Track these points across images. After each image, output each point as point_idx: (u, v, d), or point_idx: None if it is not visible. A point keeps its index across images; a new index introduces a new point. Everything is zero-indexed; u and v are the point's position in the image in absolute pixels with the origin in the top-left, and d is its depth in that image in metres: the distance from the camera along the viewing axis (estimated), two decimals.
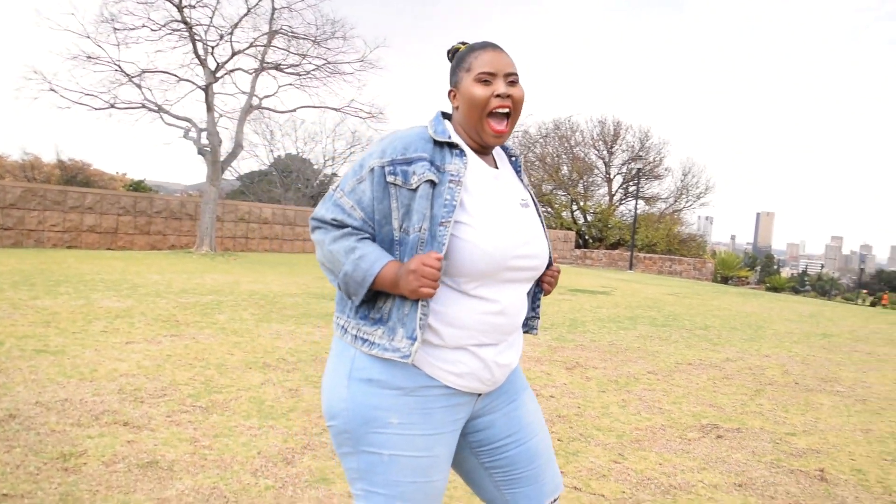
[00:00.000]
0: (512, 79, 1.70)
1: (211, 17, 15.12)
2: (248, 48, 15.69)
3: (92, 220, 15.51)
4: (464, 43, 1.80)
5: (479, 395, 1.74)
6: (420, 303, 1.58)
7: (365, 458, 1.63)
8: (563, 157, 41.18)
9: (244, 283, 10.63)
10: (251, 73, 16.05)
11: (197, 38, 15.03)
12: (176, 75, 15.54)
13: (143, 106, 15.60)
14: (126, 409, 3.96)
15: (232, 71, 15.89)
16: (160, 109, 15.65)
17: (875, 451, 4.31)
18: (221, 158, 15.99)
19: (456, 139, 1.69)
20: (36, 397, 4.04)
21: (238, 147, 16.50)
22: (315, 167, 32.75)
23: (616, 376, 5.89)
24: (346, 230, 1.62)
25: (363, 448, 1.62)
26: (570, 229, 36.92)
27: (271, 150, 30.43)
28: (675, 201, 41.57)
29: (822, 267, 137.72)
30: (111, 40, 15.12)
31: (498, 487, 1.83)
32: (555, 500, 1.85)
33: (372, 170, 1.62)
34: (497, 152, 1.85)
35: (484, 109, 1.67)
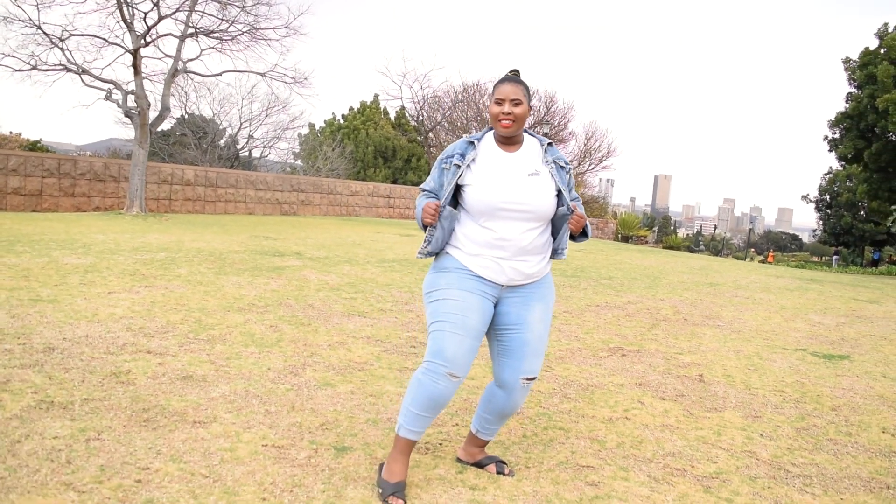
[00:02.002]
0: (515, 101, 2.79)
1: None
2: (174, 12, 15.90)
3: (16, 182, 15.55)
4: (515, 70, 2.93)
5: (502, 286, 2.81)
6: (429, 228, 2.82)
7: (433, 304, 2.80)
8: (473, 121, 42.29)
9: (187, 241, 11.21)
10: (179, 37, 16.25)
11: (124, 1, 15.13)
12: (105, 39, 15.64)
13: (66, 68, 15.63)
14: (142, 342, 4.74)
15: (163, 36, 16.09)
16: (83, 72, 15.72)
17: (742, 364, 5.53)
18: (149, 121, 16.21)
19: (484, 139, 2.87)
20: (60, 335, 4.76)
21: (165, 110, 16.72)
22: (230, 131, 32.72)
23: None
24: (425, 192, 2.86)
25: (433, 298, 2.79)
26: None
27: (185, 113, 30.24)
28: (579, 164, 43.31)
29: (716, 228, 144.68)
30: (31, 0, 15.05)
31: (496, 353, 2.90)
32: (528, 379, 2.87)
33: (438, 162, 2.84)
34: (530, 143, 2.92)
35: (497, 119, 2.80)
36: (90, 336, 4.78)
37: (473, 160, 2.83)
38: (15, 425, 3.11)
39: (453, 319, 2.71)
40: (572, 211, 2.86)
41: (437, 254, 2.89)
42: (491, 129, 2.92)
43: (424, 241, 2.83)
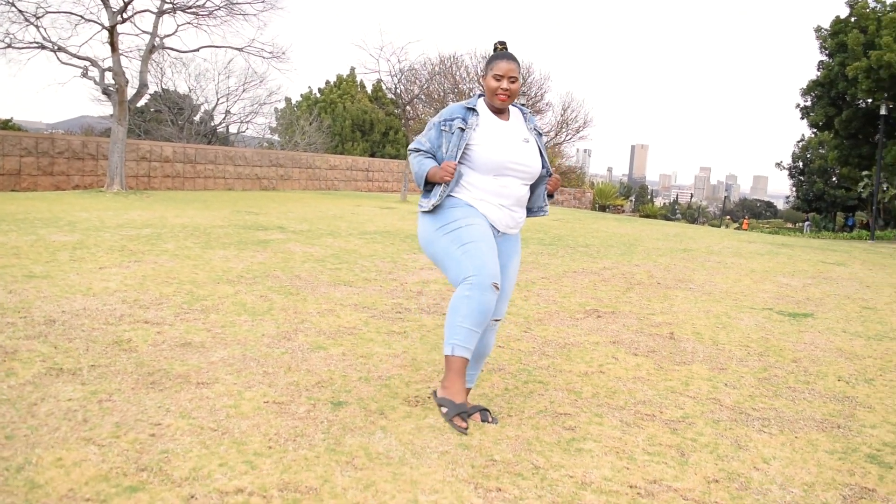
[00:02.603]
0: (512, 78, 3.09)
1: None
2: None
3: None
4: (502, 42, 3.20)
5: (499, 232, 3.17)
6: (444, 185, 3.11)
7: (455, 232, 3.07)
8: (450, 93, 42.25)
9: (170, 217, 11.34)
10: (156, 13, 16.19)
11: None
12: (81, 16, 15.56)
13: (42, 46, 15.55)
14: (138, 313, 4.94)
15: (140, 12, 16.01)
16: (59, 49, 15.64)
17: (711, 323, 5.84)
18: (128, 98, 16.19)
19: (479, 105, 3.13)
20: (59, 308, 4.94)
21: (143, 87, 16.69)
22: (207, 106, 32.54)
23: (517, 281, 7.24)
24: (420, 152, 3.10)
25: (452, 228, 3.05)
26: None
27: (161, 89, 30.00)
28: (556, 135, 43.47)
29: (692, 196, 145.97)
30: None
31: None
32: (497, 320, 3.28)
33: (434, 124, 3.08)
34: (515, 113, 3.23)
35: (494, 93, 3.09)
36: (88, 309, 4.97)
37: (477, 124, 3.11)
38: (29, 390, 3.32)
39: (485, 238, 3.02)
40: (551, 173, 3.24)
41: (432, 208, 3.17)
42: (479, 96, 3.22)
43: (434, 195, 3.11)
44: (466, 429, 2.96)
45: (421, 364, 4.16)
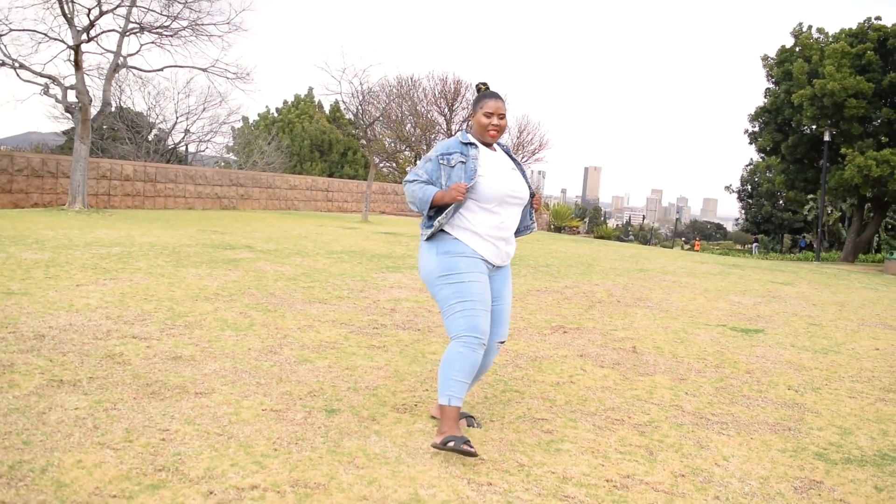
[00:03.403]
0: (501, 115, 3.36)
1: None
2: (116, 7, 15.88)
3: None
4: (484, 83, 3.44)
5: (494, 266, 3.39)
6: (453, 207, 3.27)
7: (456, 286, 3.23)
8: (407, 114, 42.63)
9: (136, 236, 11.39)
10: (120, 33, 16.20)
11: None
12: (45, 34, 15.51)
13: (2, 63, 15.46)
14: (124, 329, 5.09)
15: (105, 32, 16.01)
16: (21, 66, 15.57)
17: (670, 338, 6.19)
18: (91, 117, 16.15)
19: (473, 140, 3.36)
20: (45, 324, 5.07)
21: (106, 105, 16.68)
22: (162, 126, 32.37)
23: None
24: (418, 181, 3.30)
25: (455, 280, 3.23)
26: None
27: (119, 106, 29.74)
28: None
29: (644, 218, 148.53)
30: None
31: None
32: (501, 342, 3.51)
33: (431, 159, 3.29)
34: (497, 147, 3.50)
35: (486, 129, 3.34)
36: (74, 324, 5.10)
37: (477, 157, 3.34)
38: (35, 400, 3.48)
39: (480, 298, 3.24)
40: (534, 193, 3.54)
41: (432, 234, 3.34)
42: (466, 132, 3.46)
43: (437, 222, 3.29)
44: (475, 453, 3.03)
45: (404, 375, 4.40)
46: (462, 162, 3.31)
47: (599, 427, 3.66)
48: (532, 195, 3.53)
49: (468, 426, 3.51)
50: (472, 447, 3.00)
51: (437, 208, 3.33)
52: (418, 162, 3.48)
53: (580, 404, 4.04)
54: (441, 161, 3.34)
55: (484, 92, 3.46)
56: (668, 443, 3.50)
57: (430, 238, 3.36)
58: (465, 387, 3.23)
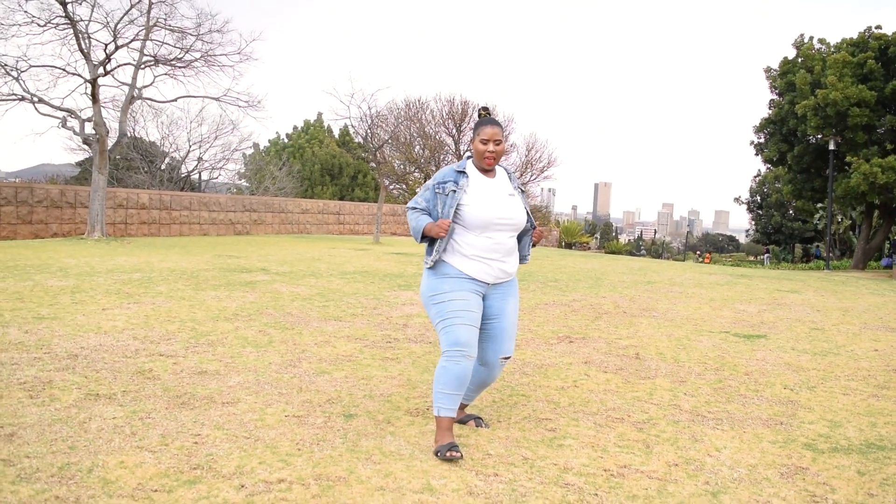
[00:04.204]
0: (497, 141, 3.51)
1: (91, 10, 15.72)
2: (131, 41, 16.38)
3: None
4: (485, 108, 3.66)
5: (489, 284, 3.54)
6: (440, 240, 3.44)
7: (438, 305, 3.43)
8: (416, 135, 43.09)
9: (155, 262, 11.73)
10: (135, 66, 16.71)
11: (81, 33, 15.56)
12: (64, 69, 16.04)
13: (22, 98, 15.97)
14: (151, 348, 5.38)
15: (122, 65, 16.53)
16: (39, 100, 16.06)
17: (673, 345, 6.42)
18: (108, 148, 16.61)
19: (469, 167, 3.54)
20: (77, 345, 5.37)
21: (122, 136, 17.16)
22: (175, 154, 32.98)
23: None
24: (417, 210, 3.49)
25: (438, 300, 3.43)
26: None
27: (133, 136, 30.36)
28: (521, 175, 44.41)
29: (656, 232, 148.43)
30: None
31: (480, 339, 3.60)
32: (505, 358, 3.65)
33: (429, 187, 3.49)
34: (500, 171, 3.66)
35: (482, 156, 3.51)
36: (103, 345, 5.40)
37: (467, 185, 3.51)
38: (75, 411, 3.76)
39: (461, 314, 3.41)
40: (535, 226, 3.70)
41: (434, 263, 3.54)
42: (468, 158, 3.63)
43: (435, 252, 3.49)
44: (461, 457, 3.26)
45: (416, 384, 4.66)
46: (454, 191, 3.49)
47: (600, 425, 3.91)
48: (533, 227, 3.69)
49: (476, 426, 3.76)
50: (457, 451, 3.24)
51: (429, 238, 3.53)
52: (418, 189, 3.64)
53: (583, 406, 4.29)
54: (437, 190, 3.52)
55: (481, 119, 3.64)
56: (664, 437, 3.74)
57: (431, 266, 3.55)
58: (454, 398, 3.42)
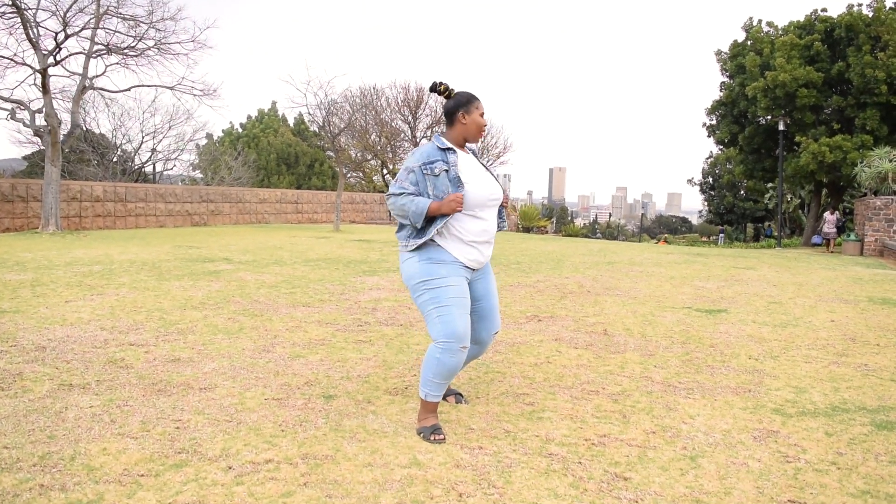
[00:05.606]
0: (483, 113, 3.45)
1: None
2: (81, 30, 15.97)
3: None
4: (444, 83, 3.46)
5: (474, 269, 3.48)
6: (445, 218, 3.29)
7: (434, 290, 3.30)
8: (372, 123, 42.89)
9: (114, 254, 11.53)
10: (87, 55, 16.29)
11: (29, 21, 15.12)
12: (12, 60, 15.55)
13: None
14: (121, 338, 5.31)
15: (72, 55, 16.07)
16: None
17: (638, 321, 6.55)
18: (60, 139, 16.21)
19: (450, 145, 3.41)
20: (44, 336, 5.27)
21: (75, 127, 16.75)
22: (127, 146, 32.33)
23: None
24: (405, 194, 3.30)
25: (433, 286, 3.30)
26: (381, 192, 38.90)
27: (85, 128, 29.64)
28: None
29: (610, 216, 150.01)
30: None
31: (472, 321, 3.58)
32: (496, 332, 3.66)
33: (413, 169, 3.31)
34: (466, 149, 3.57)
35: (480, 130, 3.43)
36: (71, 336, 5.32)
37: (457, 163, 3.37)
38: (50, 402, 3.71)
39: (457, 302, 3.29)
40: (504, 193, 3.71)
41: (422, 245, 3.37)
42: (440, 134, 3.50)
43: (430, 232, 3.30)
44: (444, 439, 3.28)
45: (392, 364, 4.69)
46: (445, 170, 3.33)
47: (576, 398, 3.99)
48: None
49: (456, 402, 3.81)
50: (440, 434, 3.27)
51: (428, 219, 3.34)
52: (398, 174, 3.41)
53: (558, 380, 4.37)
54: (425, 171, 3.32)
55: (468, 93, 3.50)
56: (639, 407, 3.83)
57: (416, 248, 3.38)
58: (444, 386, 3.39)
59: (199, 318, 6.12)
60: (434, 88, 3.49)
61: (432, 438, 3.25)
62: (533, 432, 3.37)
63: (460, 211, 3.32)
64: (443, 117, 3.57)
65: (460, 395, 3.88)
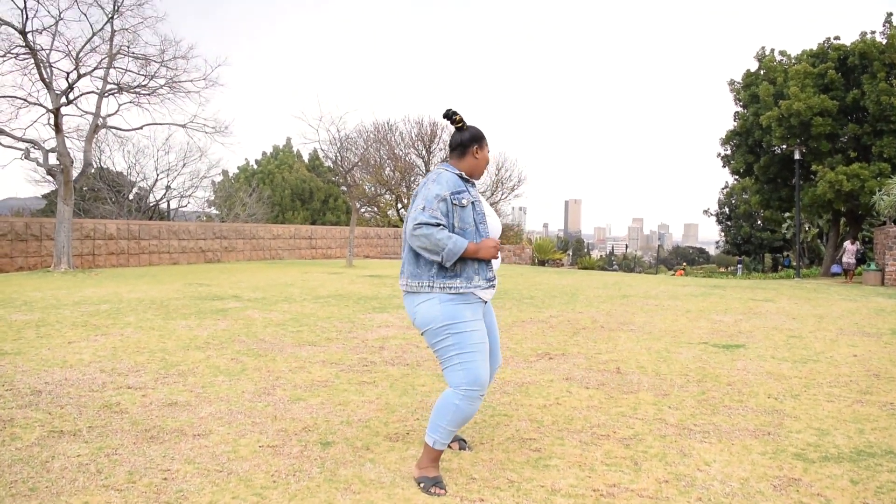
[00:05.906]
0: None
1: (52, 39, 15.48)
2: (94, 70, 16.13)
3: None
4: (458, 113, 3.34)
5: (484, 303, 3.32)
6: (488, 262, 3.20)
7: (459, 335, 3.12)
8: (386, 158, 43.07)
9: (124, 293, 11.47)
10: (99, 94, 16.45)
11: (42, 62, 15.30)
12: (25, 99, 15.73)
13: None
14: (119, 380, 5.19)
15: (85, 94, 16.27)
16: (1, 132, 15.72)
17: (653, 357, 6.34)
18: (73, 178, 16.31)
19: (467, 177, 3.30)
20: (41, 380, 5.16)
21: (88, 166, 16.85)
22: (142, 183, 32.57)
23: None
24: (440, 226, 3.07)
25: (458, 330, 3.12)
26: (396, 226, 38.90)
27: (100, 166, 29.94)
28: (492, 194, 44.60)
29: (627, 247, 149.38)
30: None
31: None
32: (498, 367, 3.53)
33: (445, 198, 3.12)
34: None
35: (485, 167, 3.35)
36: (69, 379, 5.20)
37: (478, 197, 3.28)
38: (37, 450, 3.57)
39: (482, 349, 3.15)
40: None
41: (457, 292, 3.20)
42: (448, 166, 3.33)
43: (461, 277, 3.15)
44: (444, 493, 3.11)
45: (395, 407, 4.52)
46: (473, 202, 3.22)
47: (586, 443, 3.80)
48: None
49: (460, 448, 3.64)
50: (442, 489, 3.10)
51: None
52: (423, 200, 3.15)
53: (566, 423, 4.18)
54: (454, 201, 3.15)
55: (479, 130, 3.39)
56: (651, 453, 3.64)
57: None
58: (453, 434, 3.23)
59: (201, 359, 5.99)
60: (448, 116, 3.36)
61: (433, 491, 3.08)
62: (538, 482, 3.19)
63: (496, 258, 3.21)
64: (448, 148, 3.44)
65: (464, 441, 3.71)
